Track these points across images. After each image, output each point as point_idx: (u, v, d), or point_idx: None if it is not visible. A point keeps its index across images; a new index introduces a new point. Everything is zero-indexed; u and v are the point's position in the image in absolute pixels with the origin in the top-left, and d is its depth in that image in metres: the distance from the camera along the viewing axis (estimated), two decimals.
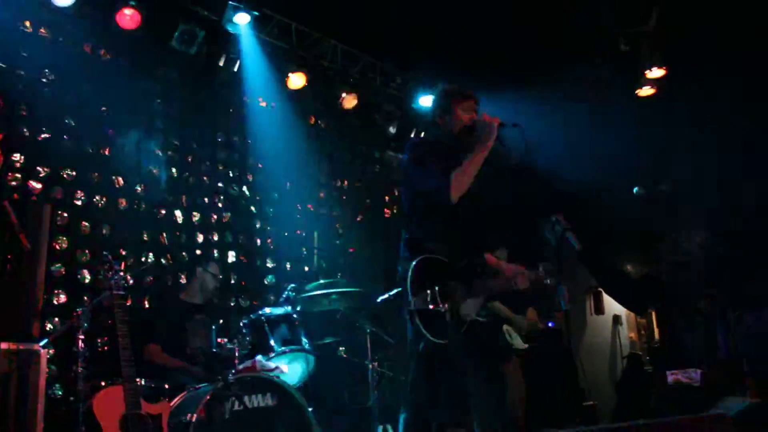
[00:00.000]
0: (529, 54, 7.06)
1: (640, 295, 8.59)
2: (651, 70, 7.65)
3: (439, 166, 3.40)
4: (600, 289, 9.45)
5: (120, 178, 5.88)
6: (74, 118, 5.67)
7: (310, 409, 4.35)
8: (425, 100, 7.54)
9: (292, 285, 5.52)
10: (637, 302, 8.94)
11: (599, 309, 9.54)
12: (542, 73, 7.08)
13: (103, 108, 5.90)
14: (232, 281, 6.50)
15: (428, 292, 3.21)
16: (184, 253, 6.10)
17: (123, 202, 5.86)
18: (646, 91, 7.90)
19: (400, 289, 3.25)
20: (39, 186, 5.33)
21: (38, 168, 5.36)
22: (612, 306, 9.39)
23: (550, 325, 6.55)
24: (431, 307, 3.19)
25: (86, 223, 5.56)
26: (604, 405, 8.23)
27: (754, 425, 3.13)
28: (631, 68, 7.84)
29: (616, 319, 9.58)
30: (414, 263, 3.24)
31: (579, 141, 7.47)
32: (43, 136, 5.45)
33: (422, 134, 3.54)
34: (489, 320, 3.49)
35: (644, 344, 9.31)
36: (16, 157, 5.26)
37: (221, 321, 5.25)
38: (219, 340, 4.44)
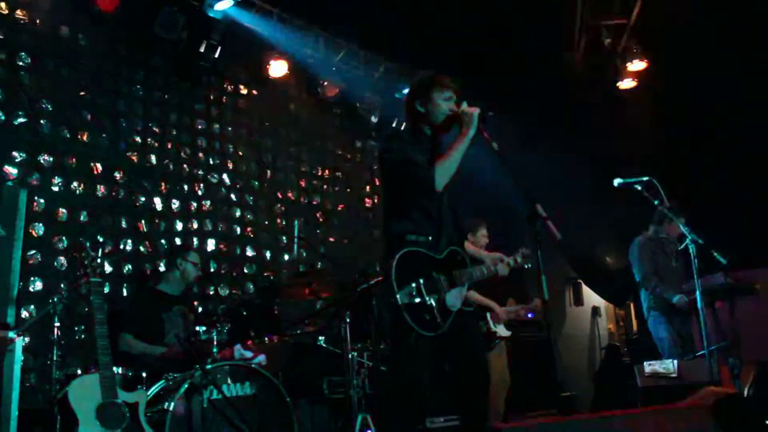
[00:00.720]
0: (509, 45, 7.07)
1: (619, 286, 8.65)
2: (632, 63, 7.69)
3: (420, 156, 3.39)
4: (579, 281, 9.53)
5: (98, 165, 5.80)
6: (51, 102, 5.58)
7: (288, 399, 4.34)
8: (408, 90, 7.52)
9: (272, 274, 5.50)
10: (615, 294, 9.02)
11: (578, 300, 9.63)
12: (522, 66, 7.10)
13: (82, 93, 5.82)
14: (212, 270, 6.46)
15: (413, 285, 3.20)
16: (162, 241, 6.05)
17: (101, 189, 5.79)
18: (627, 84, 7.95)
19: (381, 280, 3.24)
20: (15, 171, 5.25)
21: (14, 153, 5.28)
22: (591, 297, 9.47)
23: (529, 315, 6.58)
24: (417, 300, 3.19)
25: (63, 210, 5.48)
26: (583, 396, 8.30)
27: (731, 415, 3.16)
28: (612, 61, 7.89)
29: (595, 310, 9.67)
30: (396, 257, 3.23)
31: (558, 133, 7.51)
32: (19, 120, 5.37)
33: (403, 124, 3.52)
34: (473, 309, 3.51)
35: (622, 336, 9.39)
36: None
37: (200, 309, 5.22)
38: (197, 328, 4.40)
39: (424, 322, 3.19)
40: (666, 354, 6.02)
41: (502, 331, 5.97)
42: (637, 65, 7.71)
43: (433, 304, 3.23)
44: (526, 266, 3.89)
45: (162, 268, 5.78)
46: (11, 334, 4.06)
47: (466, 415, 3.46)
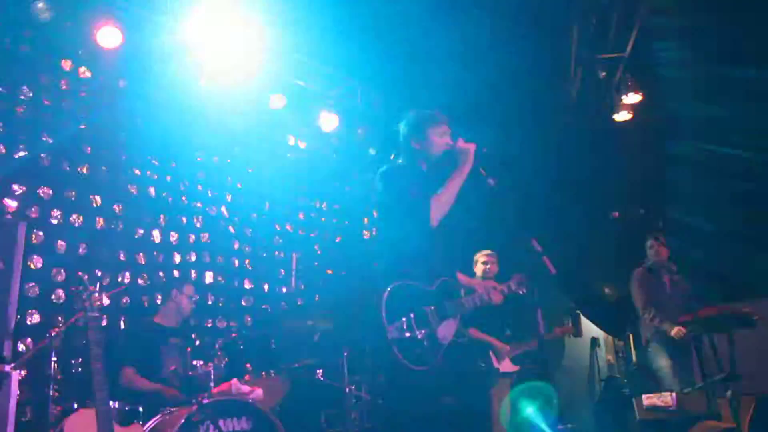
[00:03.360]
0: (506, 78, 7.15)
1: (618, 317, 8.63)
2: (627, 96, 7.77)
3: (416, 191, 3.42)
4: (578, 312, 9.50)
5: (98, 197, 5.83)
6: (51, 135, 5.62)
7: None
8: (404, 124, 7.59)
9: (270, 306, 5.49)
10: (614, 325, 8.99)
11: (577, 331, 9.57)
12: (519, 98, 7.17)
13: (82, 126, 5.86)
14: (210, 302, 6.45)
15: (403, 320, 3.20)
16: (161, 274, 6.05)
17: (100, 221, 5.81)
18: (622, 116, 8.02)
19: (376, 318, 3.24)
20: (14, 204, 5.28)
21: (14, 186, 5.30)
22: (590, 328, 9.43)
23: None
24: (407, 335, 3.18)
25: (62, 242, 5.49)
26: (582, 428, 8.24)
27: None
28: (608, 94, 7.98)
29: (594, 341, 9.62)
30: (386, 292, 3.24)
31: (555, 164, 7.56)
32: (19, 153, 5.40)
33: (399, 160, 3.56)
34: (466, 342, 3.50)
35: (622, 367, 9.34)
36: None
37: (197, 342, 5.21)
38: (194, 362, 4.39)
39: (415, 357, 3.18)
40: (664, 385, 6.00)
41: (507, 366, 5.95)
42: (632, 98, 7.78)
43: (423, 338, 3.23)
44: (521, 292, 3.84)
45: (159, 301, 5.78)
46: (8, 368, 4.06)
47: None
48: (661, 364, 6.10)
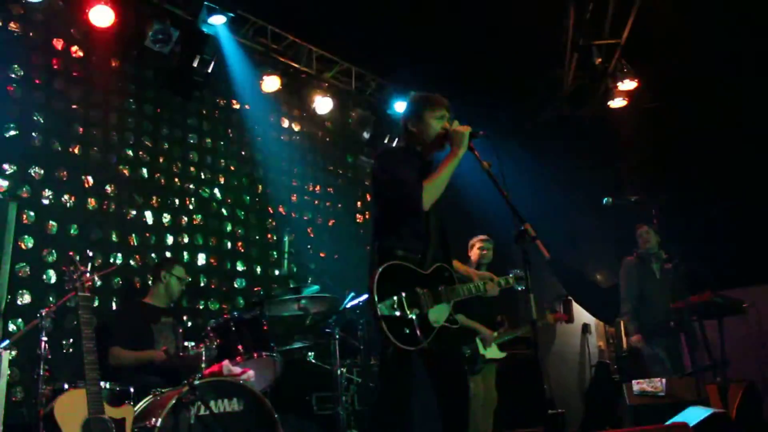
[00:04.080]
0: (501, 64, 7.13)
1: (609, 304, 8.67)
2: (623, 82, 7.75)
3: (410, 174, 3.41)
4: (569, 298, 9.54)
5: (89, 178, 5.80)
6: (43, 115, 5.58)
7: (276, 415, 4.32)
8: (400, 106, 7.57)
9: (262, 289, 5.49)
10: (605, 311, 9.03)
11: (569, 317, 9.62)
12: (515, 84, 7.16)
13: (74, 106, 5.82)
14: (202, 284, 6.45)
15: (395, 298, 3.20)
16: (153, 255, 6.03)
17: (92, 202, 5.78)
18: (618, 103, 8.01)
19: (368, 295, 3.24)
20: (5, 184, 5.24)
21: (4, 166, 5.27)
22: (581, 315, 9.47)
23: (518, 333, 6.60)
24: (398, 313, 3.18)
25: (53, 223, 5.47)
26: (572, 413, 8.29)
27: None
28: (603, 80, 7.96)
29: (585, 327, 9.66)
30: (380, 270, 3.24)
31: (549, 150, 7.56)
32: (10, 132, 5.36)
33: (395, 141, 3.53)
34: (458, 327, 3.49)
35: (612, 353, 9.39)
36: None
37: (189, 324, 5.20)
38: (186, 343, 4.38)
39: (404, 336, 3.18)
40: (649, 373, 6.05)
41: (494, 353, 5.97)
42: (628, 84, 7.77)
43: (414, 318, 3.23)
44: (518, 288, 3.89)
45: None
46: None
47: (446, 428, 3.45)
48: (645, 351, 6.17)
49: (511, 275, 3.89)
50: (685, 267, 6.03)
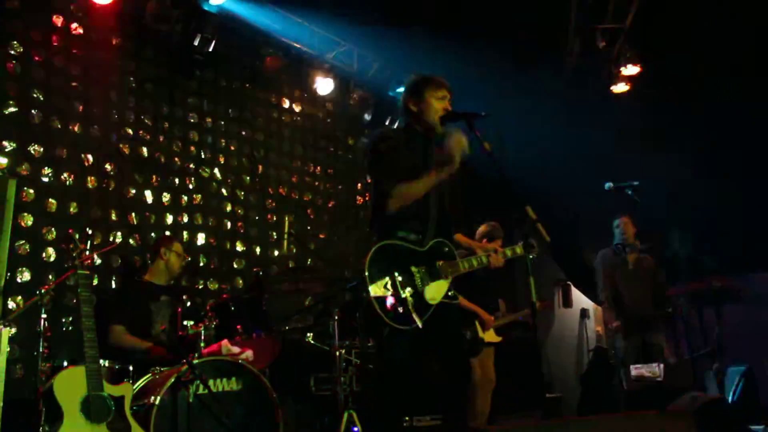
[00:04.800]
0: (505, 47, 7.08)
1: None
2: (626, 67, 7.71)
3: (394, 168, 3.39)
4: (569, 282, 9.56)
5: (89, 156, 5.78)
6: (42, 92, 5.55)
7: (274, 395, 4.33)
8: (401, 88, 7.53)
9: (261, 269, 5.49)
10: None
11: (567, 302, 9.65)
12: (518, 67, 7.11)
13: (74, 83, 5.79)
14: (201, 264, 6.45)
15: (387, 279, 3.19)
16: (153, 234, 6.02)
17: (92, 180, 5.77)
18: (620, 87, 7.97)
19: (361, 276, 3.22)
20: (4, 161, 5.22)
21: (4, 143, 5.25)
22: (580, 299, 9.49)
23: (519, 319, 6.61)
24: (390, 293, 3.17)
25: (53, 201, 5.46)
26: (569, 397, 8.33)
27: (714, 421, 3.18)
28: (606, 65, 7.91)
29: (584, 312, 9.69)
30: (372, 251, 3.23)
31: (551, 135, 7.52)
32: (9, 109, 5.33)
33: (396, 122, 3.50)
34: (457, 303, 3.47)
35: (610, 338, 9.42)
36: None
37: (188, 303, 5.21)
38: (185, 322, 4.39)
39: (398, 316, 3.17)
40: (619, 362, 6.12)
41: (491, 337, 5.99)
42: (631, 69, 7.72)
43: (408, 297, 3.22)
44: (531, 257, 3.53)
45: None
46: None
47: (445, 409, 3.46)
48: (617, 343, 6.21)
49: (518, 244, 3.67)
50: (661, 253, 6.09)
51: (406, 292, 3.22)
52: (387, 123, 8.07)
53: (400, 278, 3.23)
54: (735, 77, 6.96)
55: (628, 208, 6.59)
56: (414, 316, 3.19)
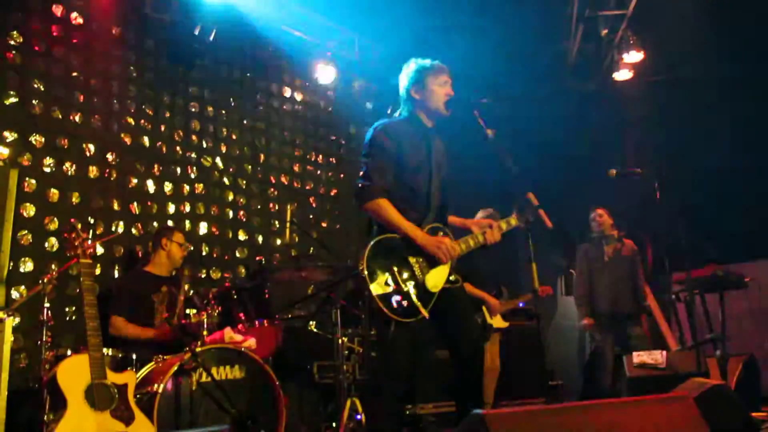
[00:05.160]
0: (506, 33, 7.05)
1: None
2: (628, 54, 7.67)
3: (384, 166, 3.37)
4: (571, 271, 9.55)
5: (90, 146, 5.77)
6: (43, 82, 5.54)
7: (277, 382, 4.34)
8: (402, 76, 7.51)
9: (264, 258, 5.49)
10: None
11: (570, 290, 9.64)
12: (519, 54, 7.09)
13: (74, 73, 5.77)
14: (204, 253, 6.45)
15: (387, 274, 3.19)
16: (155, 224, 6.03)
17: (93, 170, 5.77)
18: (623, 75, 7.93)
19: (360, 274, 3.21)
20: (6, 151, 5.22)
21: (5, 133, 5.24)
22: None
23: (520, 305, 6.63)
24: (392, 289, 3.17)
25: (55, 191, 5.46)
26: (571, 385, 8.33)
27: (715, 406, 3.18)
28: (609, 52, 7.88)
29: None
30: (367, 248, 3.22)
31: (554, 121, 7.50)
32: (10, 100, 5.33)
33: (397, 113, 3.49)
34: (459, 286, 3.46)
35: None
36: None
37: (191, 292, 5.21)
38: (187, 311, 4.39)
39: (402, 309, 3.17)
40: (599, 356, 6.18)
41: (498, 322, 6.00)
42: (634, 56, 7.68)
43: (411, 289, 3.22)
44: (521, 227, 3.57)
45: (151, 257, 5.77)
46: (1, 314, 4.06)
47: (460, 393, 3.45)
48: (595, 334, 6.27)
49: (512, 216, 3.61)
50: (635, 242, 6.12)
51: (408, 285, 3.22)
52: (389, 112, 8.04)
53: (399, 272, 3.23)
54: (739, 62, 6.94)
55: (631, 196, 6.59)
56: (419, 307, 3.19)
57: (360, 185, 3.41)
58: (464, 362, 3.39)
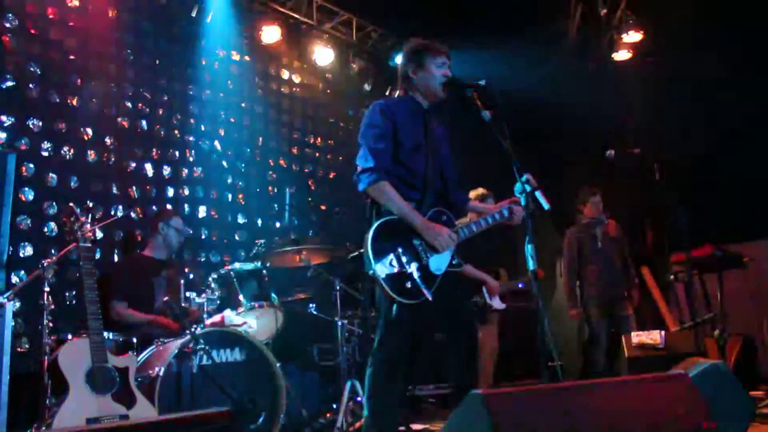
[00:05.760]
0: (505, 12, 7.00)
1: None
2: (628, 34, 7.63)
3: (383, 148, 3.36)
4: None
5: (88, 130, 5.75)
6: (40, 65, 5.51)
7: (278, 365, 4.37)
8: (400, 57, 7.48)
9: (263, 241, 5.49)
10: None
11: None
12: (517, 32, 7.04)
13: (71, 56, 5.74)
14: (203, 236, 6.46)
15: (391, 255, 3.19)
16: (154, 207, 6.02)
17: (92, 154, 5.75)
18: (622, 55, 7.90)
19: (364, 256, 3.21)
20: (3, 135, 5.21)
21: (2, 117, 5.22)
22: None
23: (519, 285, 6.63)
24: (396, 270, 3.17)
25: (53, 175, 5.45)
26: (571, 366, 8.37)
27: (713, 385, 3.20)
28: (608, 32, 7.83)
29: None
30: (372, 229, 3.22)
31: (552, 101, 7.47)
32: (7, 84, 5.30)
33: (396, 93, 3.48)
34: (461, 267, 3.47)
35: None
36: None
37: (191, 276, 5.22)
38: (187, 294, 4.40)
39: (406, 291, 3.17)
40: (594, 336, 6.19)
41: (497, 303, 6.00)
42: (633, 36, 7.65)
43: (414, 271, 3.22)
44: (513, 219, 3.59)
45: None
46: (1, 299, 4.06)
47: (458, 378, 3.46)
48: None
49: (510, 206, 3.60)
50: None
51: (412, 267, 3.22)
52: (387, 93, 8.02)
53: (403, 253, 3.23)
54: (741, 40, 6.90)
55: (628, 176, 6.58)
56: (423, 289, 3.20)
57: (361, 168, 3.40)
58: (459, 344, 3.42)
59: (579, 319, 6.32)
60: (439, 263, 3.31)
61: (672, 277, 6.02)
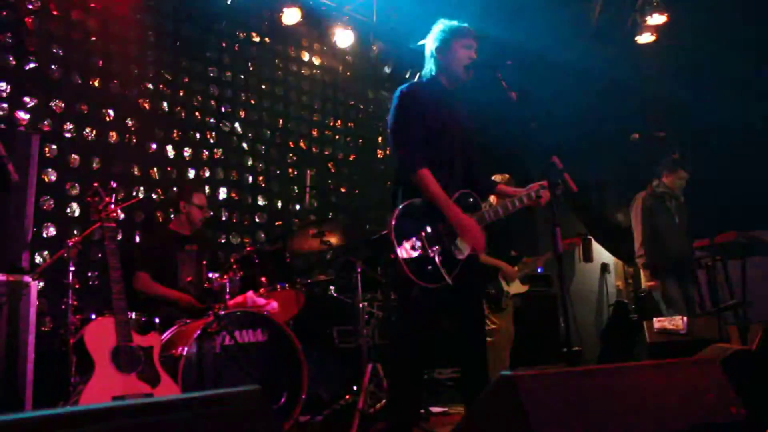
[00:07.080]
0: None
1: (629, 243, 8.64)
2: (651, 17, 7.51)
3: (418, 133, 3.34)
4: (589, 237, 9.51)
5: (110, 111, 5.77)
6: (62, 47, 5.52)
7: (300, 346, 4.38)
8: (422, 40, 7.42)
9: (284, 223, 5.50)
10: (625, 251, 9.00)
11: (588, 256, 9.61)
12: (540, 17, 6.96)
13: (93, 38, 5.75)
14: (223, 218, 6.48)
15: (414, 239, 3.18)
16: (174, 189, 6.04)
17: (114, 136, 5.77)
18: (645, 38, 7.78)
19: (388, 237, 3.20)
20: (26, 117, 5.23)
21: (25, 98, 5.25)
22: (601, 254, 9.46)
23: (539, 270, 6.59)
24: (418, 253, 3.16)
25: (76, 156, 5.48)
26: (589, 351, 8.36)
27: (739, 371, 3.17)
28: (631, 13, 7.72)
29: (604, 267, 9.68)
30: (396, 211, 3.21)
31: (576, 85, 7.40)
32: (30, 65, 5.32)
33: (417, 75, 3.45)
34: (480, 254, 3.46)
35: (631, 293, 9.42)
36: (2, 86, 5.14)
37: (212, 256, 5.23)
38: (210, 274, 4.42)
39: (427, 275, 3.17)
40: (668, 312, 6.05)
41: (516, 288, 5.97)
42: (657, 19, 7.53)
43: (436, 255, 3.21)
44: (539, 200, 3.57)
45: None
46: (26, 278, 4.11)
47: (465, 366, 3.47)
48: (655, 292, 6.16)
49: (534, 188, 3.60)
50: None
51: (434, 251, 3.21)
52: (408, 75, 7.96)
53: (426, 237, 3.21)
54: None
55: (653, 160, 6.50)
56: (443, 273, 3.19)
57: (403, 156, 3.36)
58: (471, 329, 3.42)
59: (657, 290, 6.13)
60: (461, 248, 3.30)
61: (695, 262, 5.96)
